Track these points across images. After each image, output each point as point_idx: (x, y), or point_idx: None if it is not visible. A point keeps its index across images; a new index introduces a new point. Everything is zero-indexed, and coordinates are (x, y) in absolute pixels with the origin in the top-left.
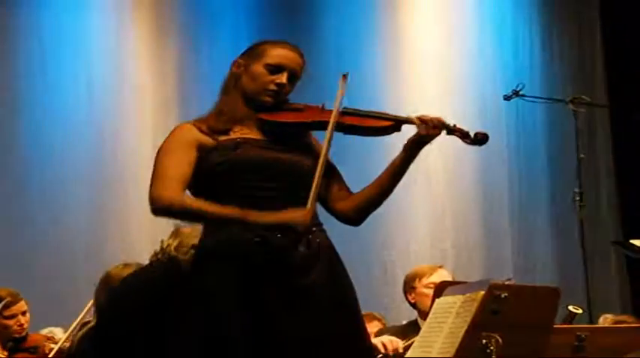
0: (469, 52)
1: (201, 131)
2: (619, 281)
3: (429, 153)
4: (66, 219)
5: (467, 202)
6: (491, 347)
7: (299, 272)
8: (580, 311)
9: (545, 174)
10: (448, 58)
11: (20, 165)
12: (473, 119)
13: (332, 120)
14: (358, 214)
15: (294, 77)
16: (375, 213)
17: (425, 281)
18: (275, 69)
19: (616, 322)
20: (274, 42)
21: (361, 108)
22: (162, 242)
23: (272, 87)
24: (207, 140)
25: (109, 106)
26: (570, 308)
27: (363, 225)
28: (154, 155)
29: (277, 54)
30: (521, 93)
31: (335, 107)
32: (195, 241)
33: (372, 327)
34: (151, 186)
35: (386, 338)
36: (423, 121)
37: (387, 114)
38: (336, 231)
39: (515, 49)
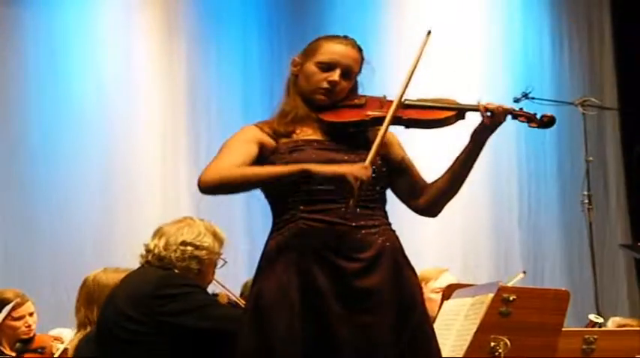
0: (478, 54)
1: (265, 132)
2: (628, 284)
3: (438, 155)
4: (74, 219)
5: (476, 205)
6: (500, 350)
7: (359, 275)
8: (601, 320)
9: (554, 177)
10: (457, 59)
11: (28, 165)
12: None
13: (390, 113)
14: (432, 207)
15: (349, 73)
16: None
17: (431, 285)
18: (327, 66)
19: (620, 326)
20: (328, 38)
21: (426, 98)
22: (146, 245)
23: (324, 85)
24: (268, 140)
25: (118, 105)
26: (591, 317)
27: None
28: (163, 154)
29: (328, 50)
30: (530, 95)
31: (396, 98)
32: (182, 238)
33: None
34: (204, 168)
35: None
36: (487, 109)
37: (450, 103)
38: None
39: (525, 52)
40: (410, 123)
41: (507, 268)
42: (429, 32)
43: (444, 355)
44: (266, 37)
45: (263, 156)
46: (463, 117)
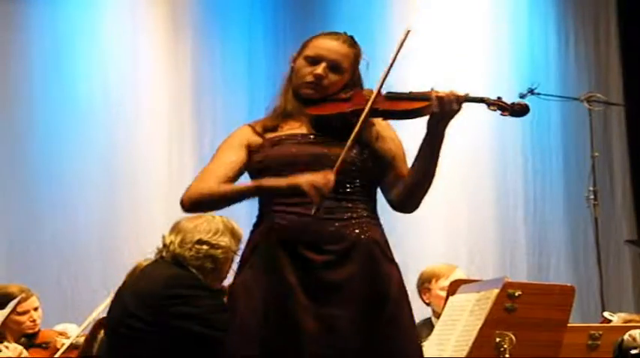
0: (484, 50)
1: (255, 131)
2: (633, 279)
3: (444, 151)
4: (79, 216)
5: (481, 200)
6: (505, 345)
7: (329, 267)
8: (615, 318)
9: (559, 173)
10: (463, 55)
11: (33, 163)
12: (487, 117)
13: (368, 105)
14: (403, 202)
15: (336, 67)
16: (389, 211)
17: (441, 283)
18: (312, 60)
19: (626, 321)
20: (322, 34)
21: (405, 92)
22: (163, 238)
23: (309, 78)
24: (256, 140)
25: (124, 103)
26: (605, 314)
27: None
28: (169, 151)
29: (316, 45)
30: (536, 91)
31: (375, 90)
32: (199, 236)
33: None
34: (187, 189)
35: None
36: (437, 97)
37: (426, 94)
38: None
39: (531, 47)
40: (386, 114)
41: (513, 264)
42: (409, 31)
43: (448, 351)
44: (271, 35)
45: (250, 154)
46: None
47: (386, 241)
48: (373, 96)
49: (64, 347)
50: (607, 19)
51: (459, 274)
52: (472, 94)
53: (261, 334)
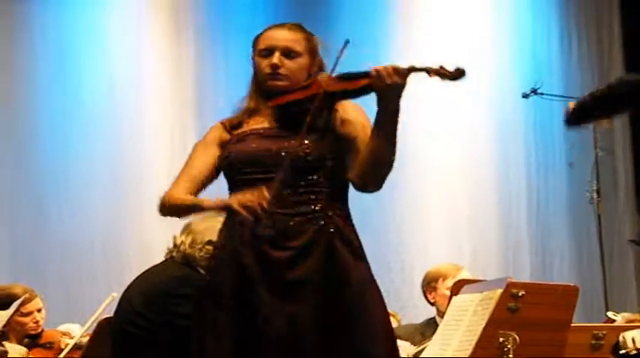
0: (487, 50)
1: (225, 127)
2: (637, 279)
3: (447, 151)
4: (83, 216)
5: (484, 200)
6: (509, 345)
7: (289, 263)
8: (619, 317)
9: (563, 172)
10: (465, 56)
11: (38, 164)
12: (490, 117)
13: (320, 93)
14: (361, 181)
15: (289, 53)
16: (393, 211)
17: (448, 283)
18: (265, 52)
19: (629, 321)
20: (266, 28)
21: (352, 72)
22: (174, 238)
23: (267, 70)
24: (226, 136)
25: (128, 104)
26: (609, 314)
27: (381, 223)
28: (172, 152)
29: (265, 37)
30: (539, 91)
31: (322, 76)
32: (209, 237)
33: None
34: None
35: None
36: (377, 72)
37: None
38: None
39: (534, 47)
40: (335, 97)
41: (516, 263)
42: (347, 42)
43: (452, 351)
44: None
45: (221, 150)
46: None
47: (352, 232)
48: (320, 83)
49: (69, 347)
50: (610, 19)
51: (465, 275)
52: (414, 64)
53: (230, 331)
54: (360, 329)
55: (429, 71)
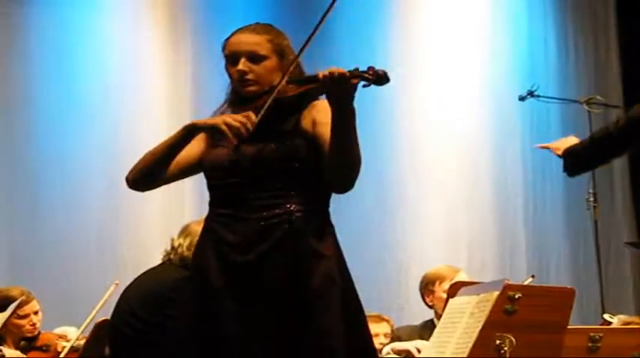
0: (484, 53)
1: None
2: (633, 281)
3: (444, 153)
4: (79, 218)
5: (481, 203)
6: (505, 348)
7: (253, 268)
8: (615, 319)
9: (559, 175)
10: (462, 58)
11: (34, 163)
12: (487, 119)
13: (268, 101)
14: (330, 181)
15: (254, 57)
16: (390, 213)
17: (445, 286)
18: (231, 60)
19: (626, 323)
20: (232, 32)
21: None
22: (172, 240)
23: (236, 76)
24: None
25: (124, 105)
26: (605, 316)
27: (378, 225)
28: None
29: (229, 44)
30: (535, 93)
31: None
32: None
33: (382, 329)
34: None
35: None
36: (324, 76)
37: (313, 75)
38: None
39: (530, 50)
40: (282, 102)
41: (513, 266)
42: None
43: (448, 353)
44: None
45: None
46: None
47: (321, 234)
48: (277, 88)
49: (66, 349)
50: (606, 22)
51: (463, 277)
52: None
53: (189, 342)
54: (318, 338)
55: (362, 78)
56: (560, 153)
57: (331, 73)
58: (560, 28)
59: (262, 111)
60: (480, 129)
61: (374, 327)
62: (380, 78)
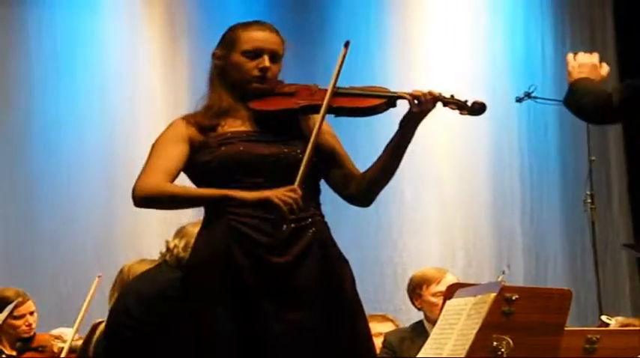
0: (480, 54)
1: (190, 124)
2: (630, 283)
3: (441, 155)
4: (76, 218)
5: (478, 204)
6: (503, 349)
7: (288, 270)
8: (613, 321)
9: (556, 176)
10: (459, 59)
11: (31, 165)
12: (484, 121)
13: (324, 103)
14: (363, 197)
15: (275, 57)
16: (387, 215)
17: (432, 290)
18: (253, 54)
19: (623, 325)
20: (244, 26)
21: (356, 86)
22: (167, 242)
23: (256, 73)
24: (197, 135)
25: (121, 105)
26: (603, 318)
27: (375, 227)
28: None
29: (251, 38)
30: (532, 94)
31: (329, 88)
32: None
33: (386, 328)
34: (137, 178)
35: None
36: (414, 97)
37: (380, 91)
38: (348, 231)
39: (527, 51)
40: (339, 112)
41: (510, 267)
42: (348, 43)
43: (446, 355)
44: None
45: (193, 150)
46: (394, 105)
47: (333, 239)
48: (329, 93)
49: (64, 350)
50: (603, 23)
51: (450, 278)
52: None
53: (229, 342)
54: (355, 331)
55: (458, 105)
56: (571, 79)
57: (429, 93)
58: (557, 29)
59: (320, 118)
60: (477, 131)
61: (378, 327)
62: (477, 110)
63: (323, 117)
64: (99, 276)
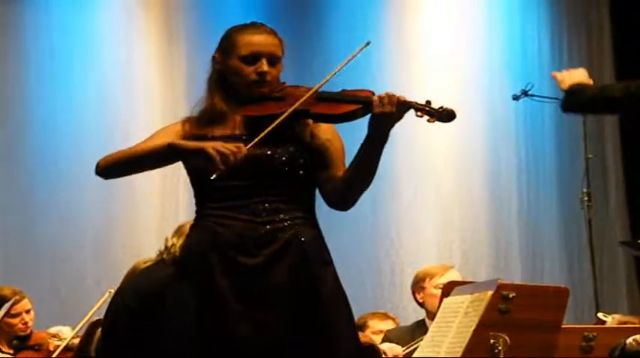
0: (477, 52)
1: (189, 129)
2: (627, 281)
3: (438, 153)
4: (74, 220)
5: (475, 203)
6: (499, 347)
7: (259, 271)
8: (609, 319)
9: (553, 174)
10: (457, 58)
11: (29, 166)
12: (481, 119)
13: (289, 110)
14: (340, 200)
15: (274, 59)
16: (384, 213)
17: (435, 281)
18: (251, 59)
19: (621, 323)
20: (240, 29)
21: (338, 91)
22: (166, 240)
23: (254, 77)
24: (189, 137)
25: (119, 104)
26: (600, 315)
27: (372, 225)
28: None
29: (247, 42)
30: (529, 93)
31: (308, 93)
32: None
33: (387, 326)
34: None
35: (385, 346)
36: (379, 98)
37: (357, 96)
38: (345, 231)
39: (524, 49)
40: (316, 118)
41: (507, 265)
42: (368, 43)
43: (443, 353)
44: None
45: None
46: (370, 110)
47: (321, 241)
48: (303, 99)
49: (60, 348)
50: (600, 21)
51: (455, 275)
52: (408, 98)
53: (194, 338)
54: (329, 334)
55: (427, 112)
56: (564, 87)
57: (392, 96)
58: (553, 27)
59: (278, 120)
60: (474, 129)
61: (379, 325)
62: (445, 116)
63: (282, 120)
64: (110, 292)
